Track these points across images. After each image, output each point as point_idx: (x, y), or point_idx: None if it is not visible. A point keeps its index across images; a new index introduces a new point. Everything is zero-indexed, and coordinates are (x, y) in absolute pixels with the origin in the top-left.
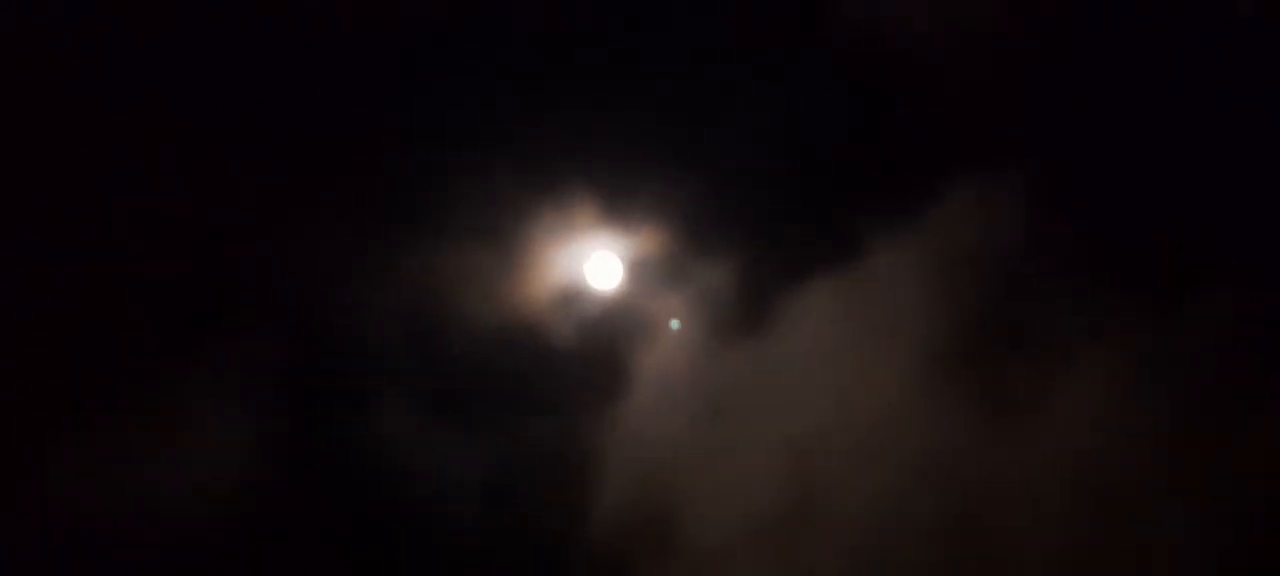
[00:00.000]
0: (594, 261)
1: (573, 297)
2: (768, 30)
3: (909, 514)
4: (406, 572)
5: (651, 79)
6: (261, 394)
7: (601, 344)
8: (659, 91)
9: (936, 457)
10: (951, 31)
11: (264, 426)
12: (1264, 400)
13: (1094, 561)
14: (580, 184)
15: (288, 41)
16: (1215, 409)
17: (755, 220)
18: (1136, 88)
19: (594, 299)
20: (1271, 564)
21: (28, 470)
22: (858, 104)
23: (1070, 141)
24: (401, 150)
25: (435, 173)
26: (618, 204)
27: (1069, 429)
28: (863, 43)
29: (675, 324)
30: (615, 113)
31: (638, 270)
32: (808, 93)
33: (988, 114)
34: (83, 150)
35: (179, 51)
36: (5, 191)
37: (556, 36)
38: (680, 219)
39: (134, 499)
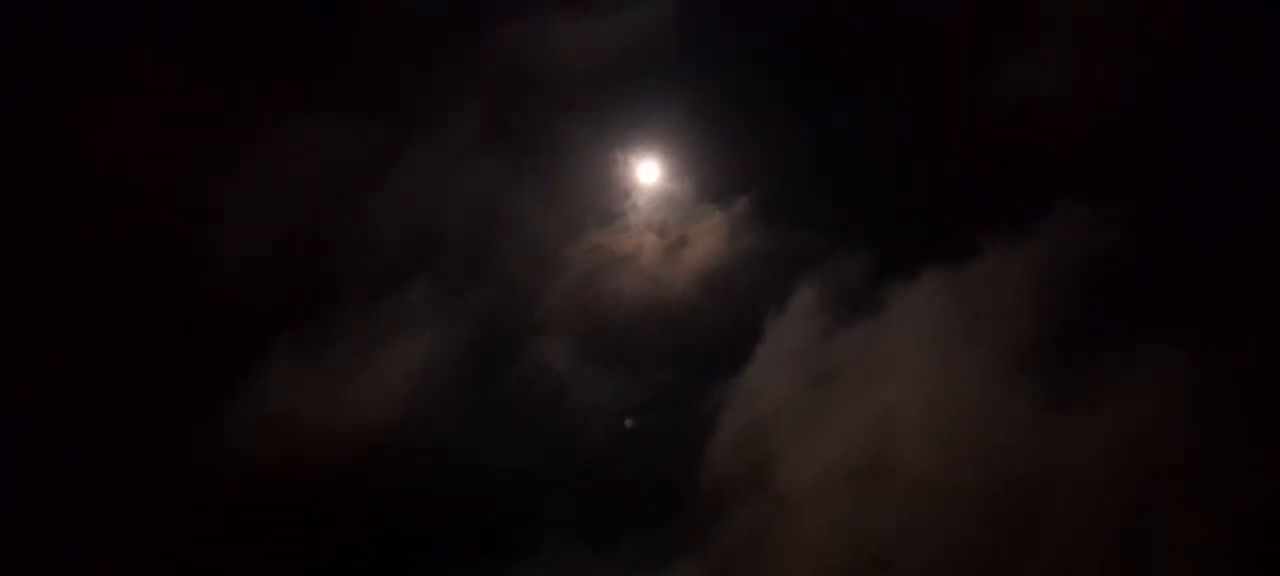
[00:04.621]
0: (740, 248)
1: (719, 275)
2: (921, 77)
3: (971, 484)
4: (544, 485)
5: (813, 109)
6: (451, 326)
7: (737, 314)
8: (820, 120)
9: (1003, 439)
10: (1071, 84)
11: (448, 352)
12: None
13: (1130, 549)
14: (736, 186)
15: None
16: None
17: (888, 221)
18: (1223, 129)
19: (737, 276)
20: None
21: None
22: (988, 135)
23: (1164, 175)
24: (597, 156)
25: (618, 177)
26: (769, 205)
27: (1123, 427)
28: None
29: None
30: (779, 135)
31: (779, 259)
32: (948, 122)
33: (1095, 149)
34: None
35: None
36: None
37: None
38: (823, 219)
39: (335, 396)
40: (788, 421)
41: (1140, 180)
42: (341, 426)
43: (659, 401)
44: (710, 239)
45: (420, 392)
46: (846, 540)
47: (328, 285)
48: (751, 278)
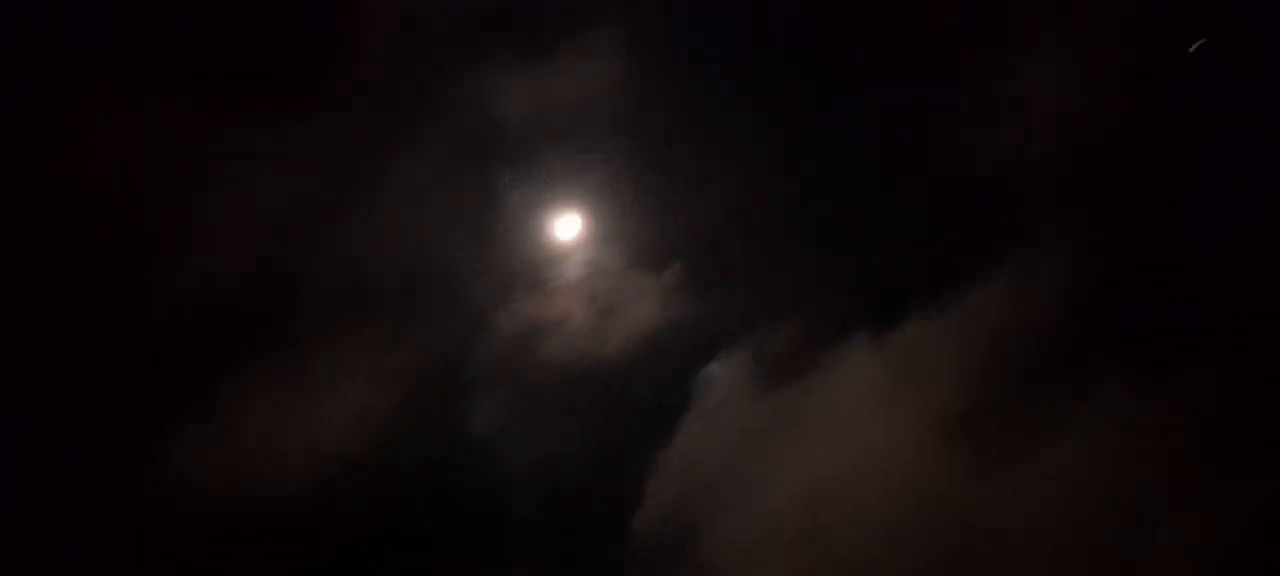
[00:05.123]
0: (670, 316)
1: (648, 342)
2: (851, 145)
3: (904, 547)
4: (470, 549)
5: (746, 177)
6: (387, 379)
7: (668, 381)
8: (752, 188)
9: (934, 500)
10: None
11: (373, 413)
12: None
13: None
14: (668, 253)
15: None
16: (1188, 476)
17: (818, 288)
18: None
19: (665, 343)
20: None
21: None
22: (918, 200)
23: (1080, 240)
24: (529, 218)
25: (550, 241)
26: (699, 271)
27: (1051, 483)
28: (927, 159)
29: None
30: (711, 202)
31: (708, 325)
32: (879, 188)
33: (1022, 212)
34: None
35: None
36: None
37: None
38: (754, 284)
39: (273, 450)
40: (718, 487)
41: (1065, 241)
42: (262, 486)
43: (589, 467)
44: (641, 305)
45: (344, 453)
46: None
47: (253, 339)
48: (682, 344)
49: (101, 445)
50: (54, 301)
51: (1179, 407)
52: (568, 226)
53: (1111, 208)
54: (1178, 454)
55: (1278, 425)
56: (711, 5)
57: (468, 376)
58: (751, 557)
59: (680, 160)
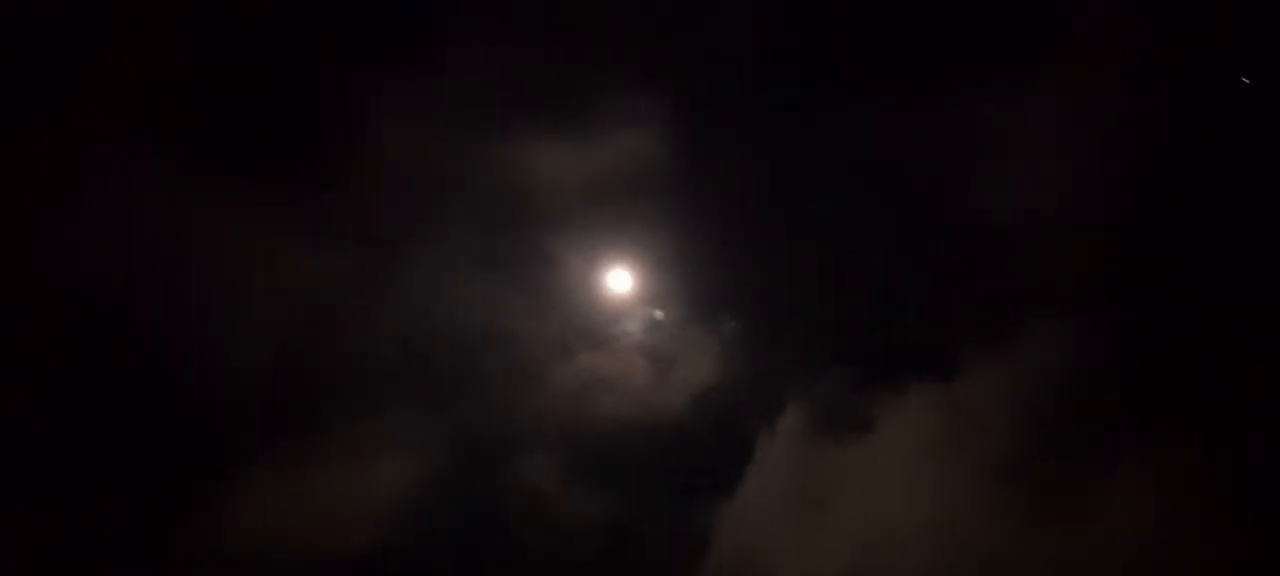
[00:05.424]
0: (728, 368)
1: (708, 396)
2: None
3: None
4: None
5: (800, 234)
6: (439, 446)
7: (727, 434)
8: (807, 243)
9: (992, 551)
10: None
11: (435, 473)
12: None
13: None
14: (725, 308)
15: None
16: (1249, 525)
17: (875, 341)
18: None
19: (722, 400)
20: None
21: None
22: (968, 254)
23: (1130, 291)
24: (588, 278)
25: (609, 299)
26: (758, 326)
27: (1108, 535)
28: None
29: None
30: (767, 258)
31: (768, 377)
32: (930, 242)
33: (1065, 274)
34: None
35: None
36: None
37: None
38: (811, 337)
39: (319, 518)
40: (779, 541)
41: (1115, 294)
42: (319, 547)
43: (650, 522)
44: (700, 360)
45: (405, 514)
46: None
47: (312, 404)
48: (741, 398)
49: (156, 505)
50: (108, 364)
51: (1241, 458)
52: (625, 286)
53: (1170, 251)
54: (1238, 504)
55: None
56: (759, 63)
57: (532, 434)
58: None
59: (736, 221)
